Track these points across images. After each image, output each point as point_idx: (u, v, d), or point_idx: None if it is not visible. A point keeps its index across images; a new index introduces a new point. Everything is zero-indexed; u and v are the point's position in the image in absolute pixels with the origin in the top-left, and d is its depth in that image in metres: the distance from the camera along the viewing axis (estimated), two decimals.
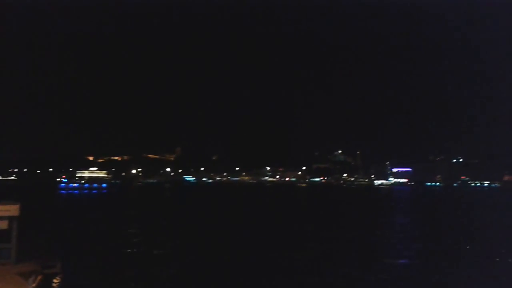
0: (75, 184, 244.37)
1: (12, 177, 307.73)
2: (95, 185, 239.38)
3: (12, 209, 25.81)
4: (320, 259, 34.13)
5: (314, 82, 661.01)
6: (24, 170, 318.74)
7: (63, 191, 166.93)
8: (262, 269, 30.44)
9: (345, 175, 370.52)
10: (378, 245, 42.58)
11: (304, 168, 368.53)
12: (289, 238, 46.11)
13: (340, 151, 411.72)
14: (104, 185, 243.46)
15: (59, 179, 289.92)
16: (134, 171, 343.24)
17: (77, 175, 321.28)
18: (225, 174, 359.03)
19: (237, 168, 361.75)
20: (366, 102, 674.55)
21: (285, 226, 56.87)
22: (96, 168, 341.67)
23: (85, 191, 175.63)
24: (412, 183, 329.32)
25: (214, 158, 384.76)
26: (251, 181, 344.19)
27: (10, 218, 25.47)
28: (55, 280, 15.68)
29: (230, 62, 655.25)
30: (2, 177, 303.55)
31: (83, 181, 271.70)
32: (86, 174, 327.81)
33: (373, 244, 42.75)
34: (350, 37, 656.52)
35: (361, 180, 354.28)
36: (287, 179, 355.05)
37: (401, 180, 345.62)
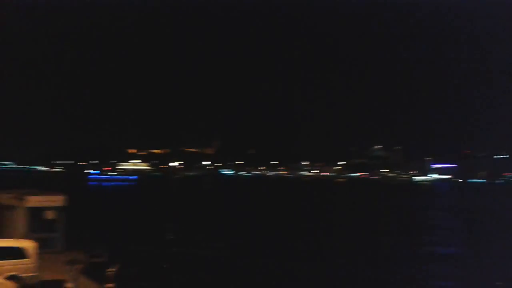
0: (106, 176, 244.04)
1: (57, 169, 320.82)
2: (125, 177, 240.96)
3: (58, 200, 28.21)
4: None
5: (350, 76, 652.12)
6: (71, 162, 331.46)
7: (93, 183, 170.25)
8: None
9: (384, 170, 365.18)
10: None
11: (342, 163, 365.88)
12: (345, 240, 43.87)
13: (379, 146, 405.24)
14: (134, 177, 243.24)
15: (96, 171, 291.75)
16: (174, 164, 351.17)
17: (120, 167, 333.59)
18: (262, 168, 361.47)
19: (274, 162, 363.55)
20: (408, 97, 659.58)
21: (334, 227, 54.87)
22: (138, 161, 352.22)
23: (115, 183, 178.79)
24: (454, 180, 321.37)
25: (251, 151, 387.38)
26: (288, 175, 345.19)
27: (57, 208, 27.88)
28: (109, 270, 16.94)
29: (268, 56, 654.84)
30: (49, 168, 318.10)
31: (115, 173, 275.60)
32: (128, 166, 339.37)
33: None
34: (383, 28, 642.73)
35: (401, 176, 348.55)
36: (324, 173, 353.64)
37: (443, 176, 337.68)
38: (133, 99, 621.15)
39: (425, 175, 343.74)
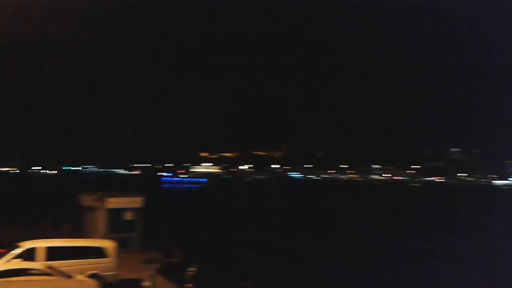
0: (178, 178, 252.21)
1: (135, 172, 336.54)
2: (195, 179, 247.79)
3: (136, 201, 29.45)
4: None
5: (425, 74, 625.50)
6: (147, 165, 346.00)
7: (166, 185, 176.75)
8: None
9: (462, 174, 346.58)
10: None
11: (415, 166, 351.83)
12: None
13: (457, 149, 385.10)
14: (204, 179, 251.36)
15: (169, 174, 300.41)
16: (243, 167, 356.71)
17: (193, 170, 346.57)
18: (331, 171, 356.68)
19: (344, 166, 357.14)
20: (488, 97, 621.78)
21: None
22: (210, 164, 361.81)
23: (186, 185, 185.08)
24: None
25: (320, 155, 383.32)
26: (358, 179, 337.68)
27: (135, 210, 29.11)
28: (189, 270, 17.03)
29: (337, 61, 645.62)
30: (127, 171, 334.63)
31: (186, 175, 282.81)
32: (200, 169, 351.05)
33: None
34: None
35: (480, 180, 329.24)
36: (396, 177, 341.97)
37: None
38: (204, 103, 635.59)
39: (506, 179, 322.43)
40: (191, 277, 16.77)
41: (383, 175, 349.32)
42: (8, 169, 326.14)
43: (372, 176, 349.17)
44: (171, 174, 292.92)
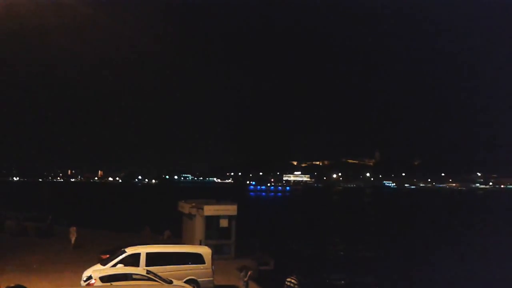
0: (263, 187, 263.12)
1: (229, 180, 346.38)
2: (280, 188, 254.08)
3: (231, 209, 30.05)
4: None
5: None
6: (239, 173, 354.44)
7: (252, 193, 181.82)
8: None
9: None
10: None
11: None
12: None
13: None
14: (287, 188, 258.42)
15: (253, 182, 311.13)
16: (334, 176, 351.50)
17: (283, 178, 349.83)
18: (429, 180, 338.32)
19: (443, 174, 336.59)
20: None
21: None
22: (299, 172, 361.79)
23: (271, 193, 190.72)
24: None
25: (416, 163, 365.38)
26: (459, 188, 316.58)
27: (230, 217, 29.72)
28: (291, 280, 16.26)
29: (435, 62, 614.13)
30: (220, 180, 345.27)
31: (269, 184, 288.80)
32: (291, 178, 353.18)
33: None
34: None
35: None
36: (502, 186, 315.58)
37: None
38: (297, 112, 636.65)
39: None
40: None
41: (487, 184, 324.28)
42: (112, 179, 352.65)
43: (475, 184, 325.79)
44: (254, 183, 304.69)
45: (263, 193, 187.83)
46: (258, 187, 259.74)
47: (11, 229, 36.46)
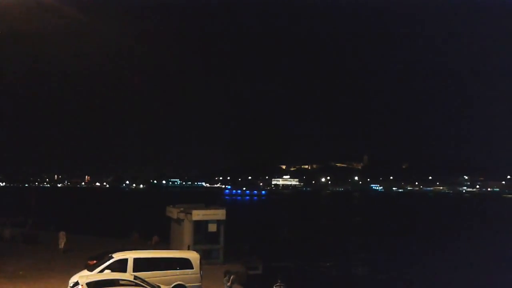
0: (239, 191, 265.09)
1: (217, 185, 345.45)
2: (255, 192, 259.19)
3: (220, 213, 30.00)
4: None
5: None
6: (227, 177, 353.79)
7: (227, 197, 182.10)
8: None
9: None
10: None
11: (509, 177, 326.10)
12: None
13: None
14: (263, 192, 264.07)
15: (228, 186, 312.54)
16: (323, 179, 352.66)
17: (272, 182, 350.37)
18: (416, 183, 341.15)
19: (430, 177, 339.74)
20: None
21: None
22: (288, 176, 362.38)
23: (247, 197, 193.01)
24: None
25: (404, 166, 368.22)
26: (446, 191, 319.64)
27: (219, 222, 29.66)
28: (277, 284, 16.08)
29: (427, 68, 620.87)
30: (209, 184, 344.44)
31: (244, 188, 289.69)
32: (280, 182, 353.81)
33: None
34: None
35: None
36: (488, 189, 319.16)
37: None
38: (286, 116, 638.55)
39: None
40: None
41: (473, 187, 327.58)
42: (99, 184, 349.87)
43: (461, 188, 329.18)
44: (230, 187, 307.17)
45: (239, 197, 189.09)
46: (234, 191, 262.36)
47: None
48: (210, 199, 69.27)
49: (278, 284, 15.00)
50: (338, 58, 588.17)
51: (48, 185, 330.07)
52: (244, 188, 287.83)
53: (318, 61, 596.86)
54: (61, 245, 31.02)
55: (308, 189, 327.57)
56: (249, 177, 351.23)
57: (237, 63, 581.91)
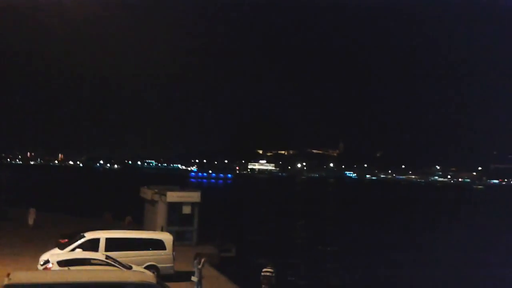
0: (204, 174, 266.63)
1: (193, 167, 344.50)
2: (221, 175, 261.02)
3: (195, 196, 30.02)
4: None
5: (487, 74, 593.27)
6: (204, 161, 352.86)
7: (193, 180, 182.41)
8: None
9: None
10: None
11: (480, 168, 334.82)
12: None
13: None
14: (229, 175, 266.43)
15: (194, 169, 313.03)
16: (299, 165, 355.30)
17: (248, 167, 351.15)
18: (389, 171, 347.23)
19: (403, 166, 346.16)
20: None
21: None
22: (265, 161, 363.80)
23: (212, 180, 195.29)
24: None
25: (378, 154, 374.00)
26: (418, 180, 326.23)
27: (193, 204, 29.67)
28: (267, 271, 13.64)
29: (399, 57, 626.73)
30: (185, 166, 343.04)
31: (210, 171, 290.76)
32: (256, 166, 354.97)
33: None
34: None
35: None
36: (460, 179, 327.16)
37: None
38: (261, 100, 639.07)
39: None
40: (269, 281, 13.51)
41: (445, 177, 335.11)
42: (72, 163, 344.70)
43: (433, 177, 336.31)
44: (195, 170, 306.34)
45: (204, 180, 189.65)
46: (200, 174, 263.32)
47: None
48: (176, 181, 69.40)
49: (266, 269, 13.41)
50: (316, 44, 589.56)
51: (21, 162, 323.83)
52: (210, 171, 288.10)
53: (298, 49, 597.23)
54: (31, 222, 30.63)
55: (283, 174, 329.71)
56: (225, 161, 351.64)
57: (213, 44, 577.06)
